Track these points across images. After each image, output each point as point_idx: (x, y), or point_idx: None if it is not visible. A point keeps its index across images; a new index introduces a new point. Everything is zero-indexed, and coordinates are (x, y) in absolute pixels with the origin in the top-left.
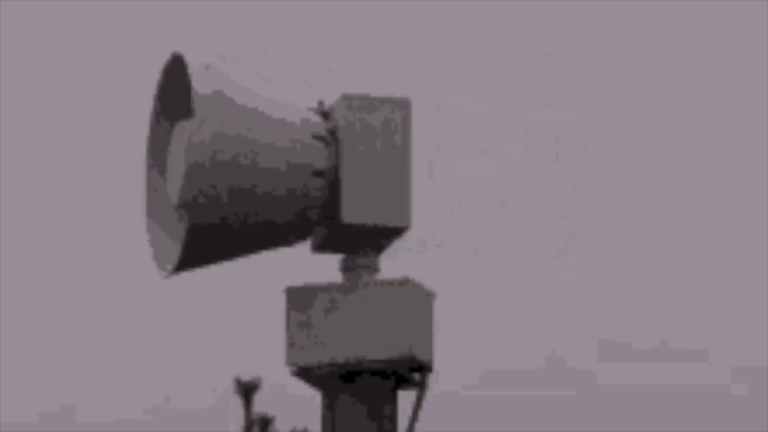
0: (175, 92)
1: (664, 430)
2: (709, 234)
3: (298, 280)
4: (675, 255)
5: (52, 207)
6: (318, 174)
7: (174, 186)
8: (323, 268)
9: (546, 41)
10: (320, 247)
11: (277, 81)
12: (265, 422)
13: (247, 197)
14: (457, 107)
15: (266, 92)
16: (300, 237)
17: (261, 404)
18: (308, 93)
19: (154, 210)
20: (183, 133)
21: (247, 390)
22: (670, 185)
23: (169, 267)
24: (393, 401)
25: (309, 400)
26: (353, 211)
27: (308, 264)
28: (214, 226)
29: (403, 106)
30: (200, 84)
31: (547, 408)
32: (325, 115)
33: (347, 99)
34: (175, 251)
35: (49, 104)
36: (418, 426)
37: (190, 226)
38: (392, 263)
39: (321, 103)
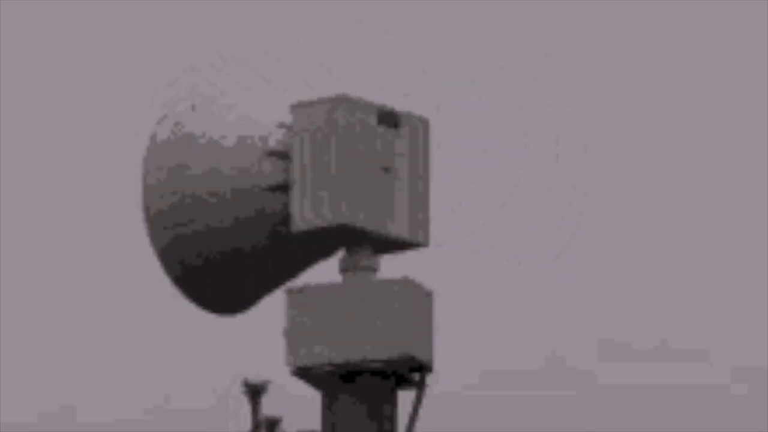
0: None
1: (664, 430)
2: (709, 234)
3: (298, 280)
4: (675, 255)
5: (52, 207)
6: (274, 189)
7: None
8: (323, 268)
9: (546, 41)
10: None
11: (277, 81)
12: (272, 424)
13: (217, 231)
14: (457, 107)
15: (247, 102)
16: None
17: (261, 404)
18: (308, 93)
19: None
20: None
21: (254, 392)
22: (670, 185)
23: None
24: (393, 401)
25: (309, 400)
26: (301, 220)
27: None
28: (199, 270)
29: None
30: (161, 129)
31: (547, 408)
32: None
33: (294, 107)
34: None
35: (49, 104)
36: (417, 426)
37: (172, 278)
38: (392, 263)
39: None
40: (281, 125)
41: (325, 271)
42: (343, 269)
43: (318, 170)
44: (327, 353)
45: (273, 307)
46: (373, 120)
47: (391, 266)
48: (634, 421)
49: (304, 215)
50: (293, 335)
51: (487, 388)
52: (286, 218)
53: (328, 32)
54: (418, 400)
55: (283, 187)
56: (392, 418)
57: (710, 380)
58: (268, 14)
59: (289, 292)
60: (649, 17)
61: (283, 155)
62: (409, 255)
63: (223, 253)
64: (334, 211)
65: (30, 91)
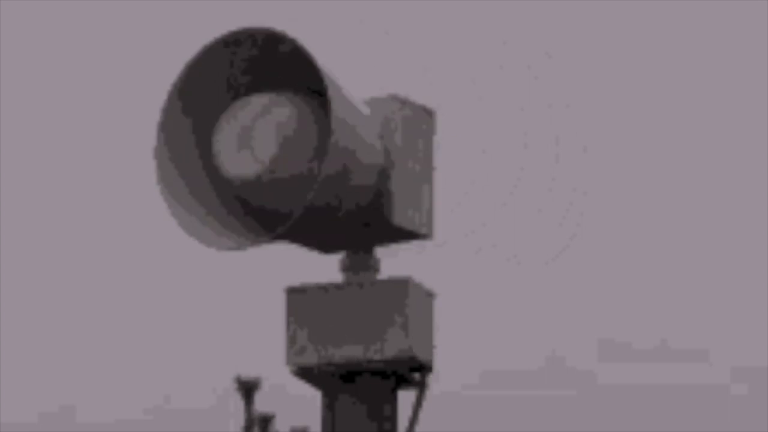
0: (227, 69)
1: (664, 430)
2: (709, 234)
3: (298, 280)
4: (675, 255)
5: (52, 207)
6: (381, 172)
7: (260, 163)
8: (323, 268)
9: (546, 41)
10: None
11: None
12: (265, 421)
13: (343, 187)
14: (457, 107)
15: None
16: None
17: (261, 404)
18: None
19: (182, 189)
20: (269, 109)
21: (247, 389)
22: (670, 185)
23: (245, 242)
24: (393, 401)
25: (309, 400)
26: (400, 214)
27: (308, 264)
28: (319, 208)
29: (429, 114)
30: (322, 65)
31: (547, 408)
32: None
33: (396, 99)
34: (253, 226)
35: (49, 104)
36: (418, 426)
37: (306, 205)
38: (392, 263)
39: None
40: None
41: (325, 271)
42: (344, 269)
43: (419, 172)
44: (327, 353)
45: (273, 307)
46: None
47: (391, 266)
48: (634, 421)
49: (405, 213)
50: (293, 335)
51: (487, 388)
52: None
53: (328, 32)
54: (419, 401)
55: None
56: (392, 419)
57: (710, 380)
58: (269, 14)
59: (289, 291)
60: (649, 17)
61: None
62: (409, 255)
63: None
64: (420, 219)
65: (30, 90)
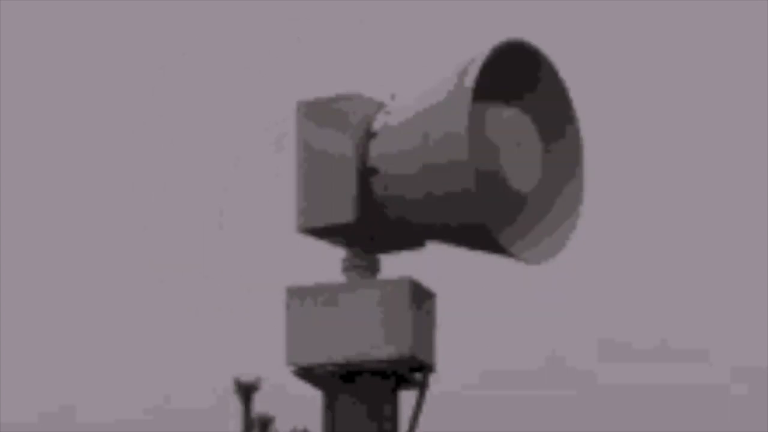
0: (500, 75)
1: (664, 430)
2: (709, 234)
3: (298, 280)
4: (675, 255)
5: (52, 207)
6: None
7: (533, 176)
8: (323, 268)
9: (546, 41)
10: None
11: (277, 81)
12: (265, 422)
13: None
14: None
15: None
16: None
17: (261, 404)
18: (308, 93)
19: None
20: (527, 123)
21: (246, 390)
22: (671, 185)
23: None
24: (393, 401)
25: (309, 400)
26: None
27: (308, 264)
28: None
29: None
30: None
31: (547, 408)
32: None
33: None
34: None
35: (49, 104)
36: (418, 426)
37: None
38: (392, 263)
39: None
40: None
41: (325, 271)
42: (344, 269)
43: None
44: (327, 353)
45: (273, 307)
46: None
47: (391, 266)
48: (634, 421)
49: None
50: (293, 335)
51: (487, 388)
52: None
53: (328, 32)
54: (419, 401)
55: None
56: (392, 419)
57: (710, 380)
58: (268, 14)
59: (289, 291)
60: (649, 17)
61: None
62: (410, 255)
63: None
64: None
65: (30, 91)
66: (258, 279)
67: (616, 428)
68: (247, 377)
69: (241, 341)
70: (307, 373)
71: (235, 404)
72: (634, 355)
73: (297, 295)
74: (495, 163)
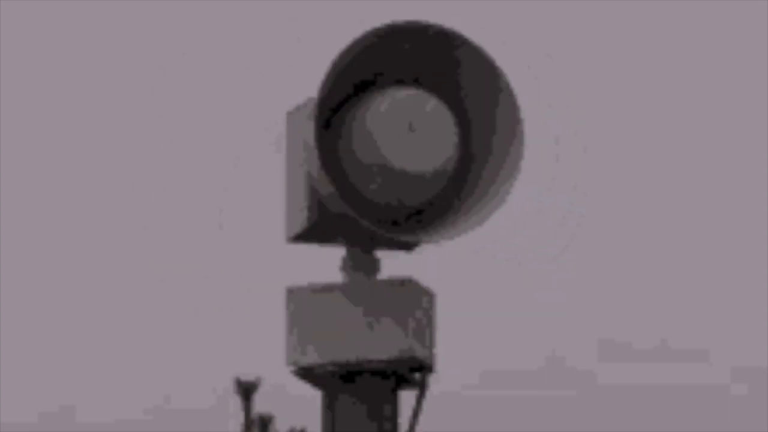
0: (381, 59)
1: (664, 430)
2: (709, 234)
3: (298, 280)
4: (675, 255)
5: (52, 207)
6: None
7: (432, 156)
8: (323, 268)
9: (546, 41)
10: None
11: (277, 81)
12: (265, 422)
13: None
14: None
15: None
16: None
17: (261, 404)
18: (308, 92)
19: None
20: (434, 105)
21: (246, 390)
22: (670, 185)
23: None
24: (393, 401)
25: (309, 400)
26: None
27: (308, 264)
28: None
29: None
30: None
31: (547, 408)
32: None
33: None
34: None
35: (49, 104)
36: (418, 426)
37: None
38: (392, 263)
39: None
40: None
41: (325, 271)
42: (344, 269)
43: None
44: (327, 353)
45: (273, 307)
46: None
47: (391, 266)
48: (634, 421)
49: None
50: (293, 335)
51: (487, 388)
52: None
53: (328, 32)
54: (419, 401)
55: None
56: (392, 419)
57: (710, 380)
58: (268, 14)
59: (289, 291)
60: (649, 17)
61: None
62: (409, 255)
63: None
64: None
65: (30, 90)
66: (258, 279)
67: (616, 428)
68: (247, 377)
69: (241, 341)
70: (307, 373)
71: (236, 404)
72: (634, 355)
73: (297, 295)
74: (377, 154)
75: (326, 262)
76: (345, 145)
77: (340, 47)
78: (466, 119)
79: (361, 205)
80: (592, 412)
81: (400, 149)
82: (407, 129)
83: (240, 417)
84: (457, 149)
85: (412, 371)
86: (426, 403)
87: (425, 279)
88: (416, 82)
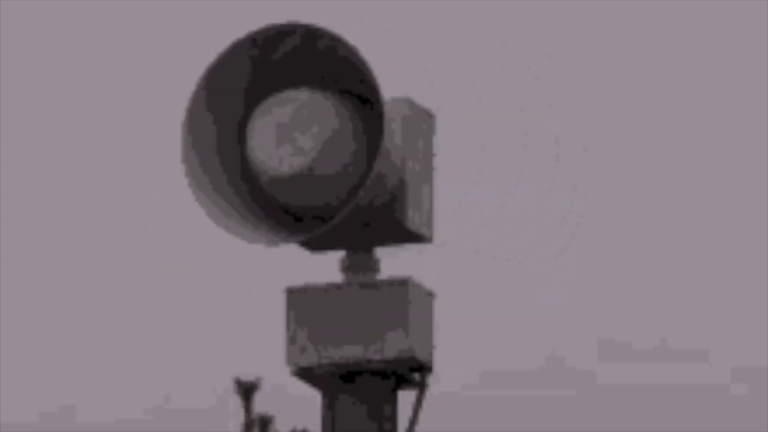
0: (260, 64)
1: (664, 430)
2: (709, 234)
3: (298, 280)
4: (675, 255)
5: (51, 206)
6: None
7: (301, 158)
8: (323, 268)
9: (546, 41)
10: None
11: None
12: (265, 422)
13: (379, 186)
14: (457, 107)
15: None
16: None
17: (261, 404)
18: None
19: (211, 183)
20: (310, 105)
21: (246, 390)
22: (670, 185)
23: (284, 237)
24: (393, 401)
25: (309, 400)
26: (413, 217)
27: (308, 264)
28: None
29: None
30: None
31: (547, 408)
32: None
33: (408, 102)
34: (287, 222)
35: (49, 104)
36: (418, 426)
37: (355, 204)
38: (392, 263)
39: None
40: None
41: (325, 271)
42: (344, 269)
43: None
44: (327, 353)
45: (273, 307)
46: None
47: (391, 266)
48: (634, 421)
49: (416, 218)
50: (293, 335)
51: (487, 388)
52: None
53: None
54: (419, 401)
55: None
56: (392, 419)
57: (710, 380)
58: (269, 14)
59: (289, 292)
60: (649, 17)
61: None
62: (409, 255)
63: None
64: (428, 223)
65: (30, 91)
66: (258, 279)
67: (616, 428)
68: (247, 377)
69: (241, 341)
70: (306, 374)
71: (236, 404)
72: (634, 355)
73: (296, 295)
74: (256, 159)
75: (326, 262)
76: (247, 152)
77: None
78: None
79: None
80: (592, 412)
81: (271, 153)
82: (276, 132)
83: (240, 417)
84: (356, 147)
85: (412, 371)
86: (426, 403)
87: (425, 279)
88: (308, 83)
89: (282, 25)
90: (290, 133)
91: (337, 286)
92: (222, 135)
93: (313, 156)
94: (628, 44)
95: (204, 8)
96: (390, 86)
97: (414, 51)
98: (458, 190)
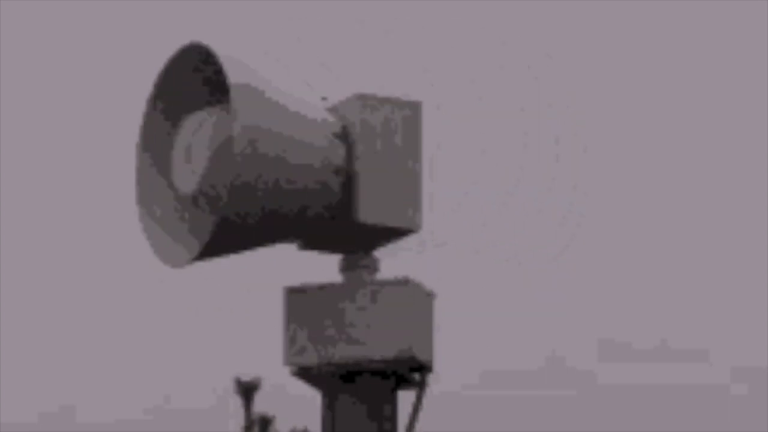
0: (190, 82)
1: (664, 430)
2: (709, 234)
3: (298, 280)
4: (675, 255)
5: (51, 206)
6: (338, 172)
7: (194, 176)
8: (323, 268)
9: (546, 41)
10: (313, 246)
11: (276, 81)
12: (265, 422)
13: (273, 192)
14: (457, 107)
15: (284, 86)
16: (309, 234)
17: (261, 404)
18: (308, 93)
19: (150, 200)
20: (207, 123)
21: (247, 390)
22: (670, 185)
23: (185, 258)
24: (393, 401)
25: (309, 400)
26: (369, 211)
27: (308, 264)
28: (238, 218)
29: (412, 107)
30: (234, 74)
31: (547, 408)
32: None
33: (361, 98)
34: (190, 242)
35: (49, 104)
36: (418, 426)
37: (218, 219)
38: (392, 263)
39: (324, 99)
40: (323, 98)
41: (325, 271)
42: (343, 269)
43: (383, 166)
44: (327, 353)
45: (273, 307)
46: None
47: (391, 266)
48: (634, 421)
49: (371, 209)
50: (293, 335)
51: (487, 388)
52: (337, 201)
53: (328, 32)
54: (419, 401)
55: (341, 171)
56: (392, 418)
57: (710, 380)
58: (268, 14)
59: (289, 292)
60: (649, 17)
61: (344, 140)
62: (410, 255)
63: (269, 208)
64: (401, 211)
65: (29, 91)
66: (258, 279)
67: (616, 428)
68: (247, 377)
69: (241, 341)
70: (306, 374)
71: (236, 404)
72: (634, 355)
73: (296, 295)
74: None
75: (326, 262)
76: None
77: (340, 47)
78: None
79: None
80: (592, 412)
81: (178, 173)
82: (184, 153)
83: (240, 417)
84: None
85: (412, 371)
86: (426, 403)
87: (425, 279)
88: (212, 100)
89: (185, 48)
90: (191, 153)
91: (337, 286)
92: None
93: (202, 173)
94: (628, 44)
95: (204, 8)
96: (390, 86)
97: (414, 51)
98: (458, 190)
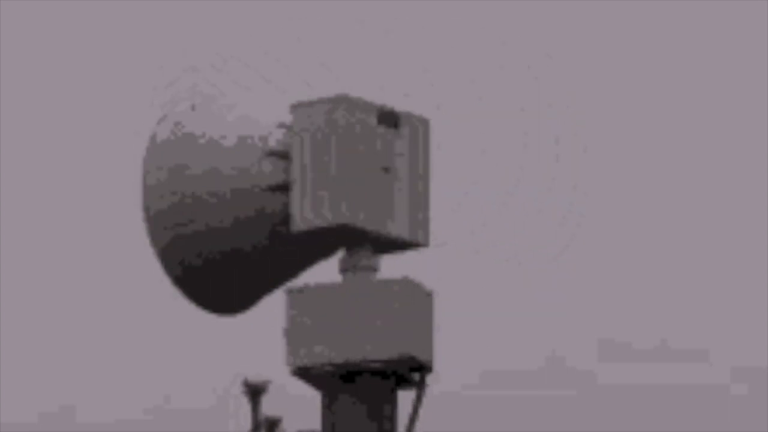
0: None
1: (664, 430)
2: (709, 234)
3: (298, 280)
4: (675, 255)
5: (52, 207)
6: (274, 189)
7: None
8: (323, 268)
9: (546, 41)
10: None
11: (277, 81)
12: (272, 424)
13: (217, 231)
14: (457, 107)
15: (247, 102)
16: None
17: (261, 404)
18: (308, 93)
19: None
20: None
21: (254, 392)
22: (670, 185)
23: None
24: (393, 401)
25: (309, 400)
26: (302, 220)
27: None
28: (199, 270)
29: (349, 104)
30: (161, 129)
31: (547, 408)
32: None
33: (294, 107)
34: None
35: (48, 104)
36: (417, 426)
37: (173, 278)
38: (392, 263)
39: (193, 109)
40: (281, 125)
41: (325, 271)
42: (343, 269)
43: (318, 170)
44: (327, 353)
45: (273, 307)
46: (373, 120)
47: (391, 266)
48: (634, 421)
49: (304, 215)
50: (293, 335)
51: (487, 388)
52: (286, 218)
53: (328, 32)
54: (419, 401)
55: (283, 187)
56: (392, 418)
57: (710, 380)
58: (268, 14)
59: (289, 292)
60: (649, 17)
61: (283, 155)
62: (409, 255)
63: (223, 253)
64: (335, 211)
65: (29, 91)
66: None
67: (616, 428)
68: (255, 378)
69: (242, 341)
70: (306, 374)
71: (236, 404)
72: (634, 355)
73: (296, 295)
74: None
75: (326, 263)
76: None
77: (340, 47)
78: None
79: None
80: (592, 412)
81: None
82: None
83: (247, 419)
84: None
85: (412, 371)
86: (426, 403)
87: (425, 279)
88: None
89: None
90: None
91: (337, 286)
92: None
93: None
94: (628, 44)
95: (204, 8)
96: (390, 86)
97: (414, 51)
98: (458, 191)
